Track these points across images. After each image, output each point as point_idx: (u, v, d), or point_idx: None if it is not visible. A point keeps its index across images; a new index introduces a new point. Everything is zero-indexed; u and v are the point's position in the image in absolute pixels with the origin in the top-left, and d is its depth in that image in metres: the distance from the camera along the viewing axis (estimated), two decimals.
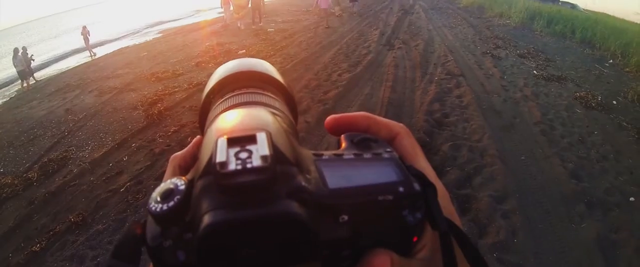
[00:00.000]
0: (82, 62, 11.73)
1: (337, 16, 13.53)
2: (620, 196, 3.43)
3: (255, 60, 0.33)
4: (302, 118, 4.39)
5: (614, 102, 6.00)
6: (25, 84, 9.60)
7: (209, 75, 0.32)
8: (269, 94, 0.30)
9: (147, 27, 18.20)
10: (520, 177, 3.39)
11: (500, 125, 4.48)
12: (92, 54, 13.47)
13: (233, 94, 0.29)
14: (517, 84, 6.21)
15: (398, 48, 8.27)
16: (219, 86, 0.31)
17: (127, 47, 12.73)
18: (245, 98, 0.28)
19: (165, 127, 4.79)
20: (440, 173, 3.35)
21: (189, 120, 4.85)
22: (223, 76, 0.31)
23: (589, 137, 4.55)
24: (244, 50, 8.26)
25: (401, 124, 0.29)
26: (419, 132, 4.04)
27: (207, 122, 0.29)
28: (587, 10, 24.31)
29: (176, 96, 5.89)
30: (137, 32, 17.51)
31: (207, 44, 9.52)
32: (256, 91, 0.30)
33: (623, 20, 20.01)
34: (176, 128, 4.69)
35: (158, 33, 15.02)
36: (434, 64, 7.04)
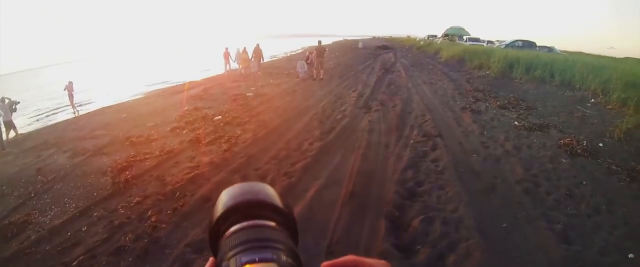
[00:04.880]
0: (64, 119, 12.09)
1: (320, 79, 14.23)
2: (617, 255, 3.27)
3: (259, 186, 0.40)
4: None
5: (601, 144, 6.04)
6: (5, 137, 9.48)
7: (216, 200, 0.39)
8: (273, 224, 0.36)
9: (136, 86, 19.16)
10: (500, 249, 3.23)
11: (479, 188, 4.40)
12: (75, 111, 13.97)
13: (241, 226, 0.36)
14: (498, 139, 6.27)
15: (375, 110, 8.51)
16: (226, 213, 0.37)
17: (110, 106, 13.11)
18: (253, 234, 0.34)
19: (129, 197, 4.71)
20: (409, 253, 3.20)
21: (154, 191, 4.79)
22: (231, 204, 0.38)
23: (578, 189, 4.48)
24: (220, 116, 8.46)
25: (384, 261, 0.37)
26: (389, 205, 3.94)
27: (220, 253, 0.34)
28: (563, 51, 25.72)
29: (146, 163, 5.88)
30: (125, 90, 18.31)
31: (185, 108, 9.77)
32: (263, 223, 0.36)
33: (599, 57, 21.01)
34: (139, 199, 4.62)
35: (142, 94, 15.67)
36: (411, 125, 7.16)
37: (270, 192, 0.39)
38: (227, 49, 19.46)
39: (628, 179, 4.78)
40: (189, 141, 6.83)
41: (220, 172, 5.21)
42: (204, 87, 14.02)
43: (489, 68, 14.34)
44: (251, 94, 11.45)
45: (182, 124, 8.05)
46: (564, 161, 5.36)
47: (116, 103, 13.85)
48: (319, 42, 15.66)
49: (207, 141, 6.75)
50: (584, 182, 4.65)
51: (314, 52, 14.82)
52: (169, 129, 7.82)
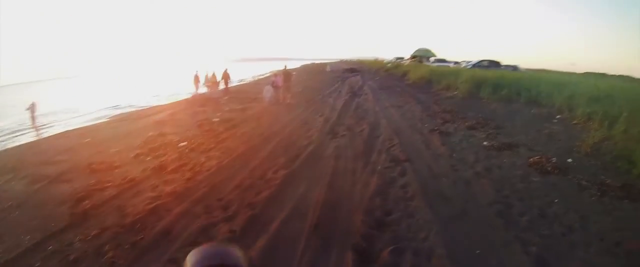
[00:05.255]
0: (27, 142, 11.33)
1: (287, 103, 14.31)
2: None
3: (225, 250, 0.45)
4: (227, 226, 4.21)
5: (570, 160, 6.21)
6: None
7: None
8: None
9: (103, 109, 18.37)
10: None
11: (450, 214, 4.35)
12: (38, 133, 13.25)
13: None
14: (468, 161, 6.33)
15: (341, 136, 8.48)
16: None
17: (75, 129, 12.42)
18: None
19: (87, 229, 4.39)
20: None
21: (113, 223, 4.52)
22: None
23: (550, 208, 4.52)
24: (185, 143, 8.33)
25: None
26: (356, 236, 3.79)
27: None
28: (527, 69, 27.21)
29: (106, 193, 5.58)
30: (91, 113, 17.53)
31: (150, 133, 9.51)
32: None
33: (561, 73, 22.31)
34: (97, 231, 4.29)
35: (109, 117, 15.20)
36: (379, 150, 7.14)
37: (235, 256, 0.41)
38: (197, 72, 19.98)
39: (599, 194, 4.90)
40: (152, 168, 6.61)
41: (182, 202, 4.99)
42: (171, 111, 14.04)
43: (456, 89, 14.84)
44: (217, 119, 11.46)
45: (146, 151, 7.84)
46: (534, 179, 5.45)
47: (81, 126, 13.29)
48: (285, 66, 16.16)
49: (170, 168, 6.56)
50: (556, 201, 4.72)
51: (281, 76, 15.15)
52: (132, 155, 7.56)
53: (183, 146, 8.17)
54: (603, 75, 29.40)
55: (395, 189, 5.14)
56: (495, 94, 12.25)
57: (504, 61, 26.01)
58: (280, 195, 5.12)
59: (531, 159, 6.21)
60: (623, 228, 3.99)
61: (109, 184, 5.97)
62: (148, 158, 7.36)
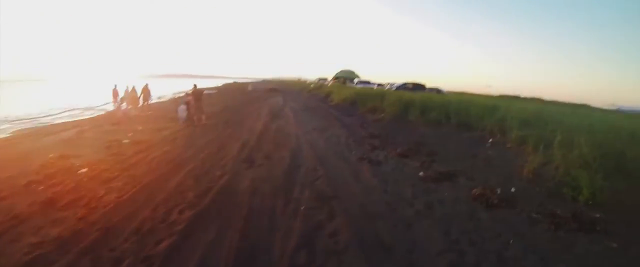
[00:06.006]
0: None
1: (203, 124, 13.95)
2: None
3: None
4: None
5: (513, 189, 6.03)
6: None
7: None
8: None
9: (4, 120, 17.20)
10: None
11: None
12: None
13: None
14: (405, 196, 5.80)
15: (259, 165, 7.79)
16: None
17: None
18: None
19: None
20: None
21: None
22: None
23: (507, 251, 4.08)
24: (86, 169, 7.66)
25: None
26: None
27: None
28: (450, 92, 28.97)
29: None
30: None
31: (51, 155, 8.75)
32: None
33: (481, 96, 24.03)
34: None
35: (10, 132, 14.06)
36: (301, 183, 6.39)
37: None
38: (116, 86, 19.40)
39: (553, 227, 4.67)
40: (42, 202, 5.81)
41: (67, 252, 4.21)
42: (81, 128, 13.58)
43: (383, 111, 14.75)
44: (128, 141, 11.02)
45: (40, 177, 7.10)
46: (482, 216, 5.04)
47: None
48: (195, 85, 15.91)
49: (62, 203, 5.79)
50: (511, 241, 4.31)
51: (192, 96, 14.99)
52: (24, 183, 6.76)
53: (83, 172, 7.51)
54: (517, 97, 32.37)
55: (324, 238, 4.32)
56: (423, 117, 12.27)
57: (427, 83, 27.33)
58: (184, 245, 4.31)
59: (474, 191, 5.86)
60: None
61: None
62: (41, 187, 6.57)
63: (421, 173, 6.93)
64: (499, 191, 5.80)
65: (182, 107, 15.04)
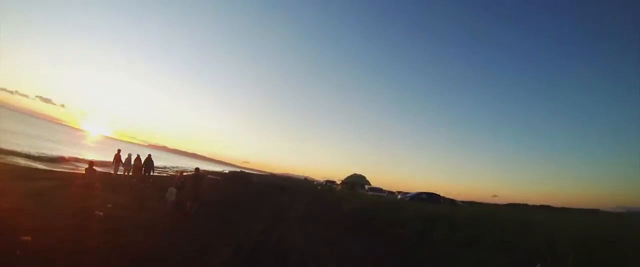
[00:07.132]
0: None
1: (194, 213, 12.20)
2: None
3: None
4: None
5: None
6: None
7: None
8: None
9: None
10: None
11: None
12: None
13: None
14: None
15: None
16: None
17: None
18: None
19: None
20: None
21: None
22: None
23: None
24: (30, 237, 6.04)
25: None
26: None
27: None
28: (463, 203, 27.52)
29: None
30: None
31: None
32: None
33: (488, 205, 22.61)
34: None
35: None
36: None
37: None
38: (119, 151, 19.58)
39: None
40: None
41: None
42: (66, 183, 13.03)
43: (402, 226, 13.11)
44: (101, 213, 9.64)
45: None
46: None
47: None
48: (196, 168, 15.15)
49: None
50: None
51: (190, 180, 13.38)
52: None
53: (25, 240, 5.91)
54: (525, 205, 30.80)
55: None
56: (451, 236, 10.63)
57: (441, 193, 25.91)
58: None
59: None
60: None
61: None
62: None
63: None
64: None
65: (172, 189, 12.85)
